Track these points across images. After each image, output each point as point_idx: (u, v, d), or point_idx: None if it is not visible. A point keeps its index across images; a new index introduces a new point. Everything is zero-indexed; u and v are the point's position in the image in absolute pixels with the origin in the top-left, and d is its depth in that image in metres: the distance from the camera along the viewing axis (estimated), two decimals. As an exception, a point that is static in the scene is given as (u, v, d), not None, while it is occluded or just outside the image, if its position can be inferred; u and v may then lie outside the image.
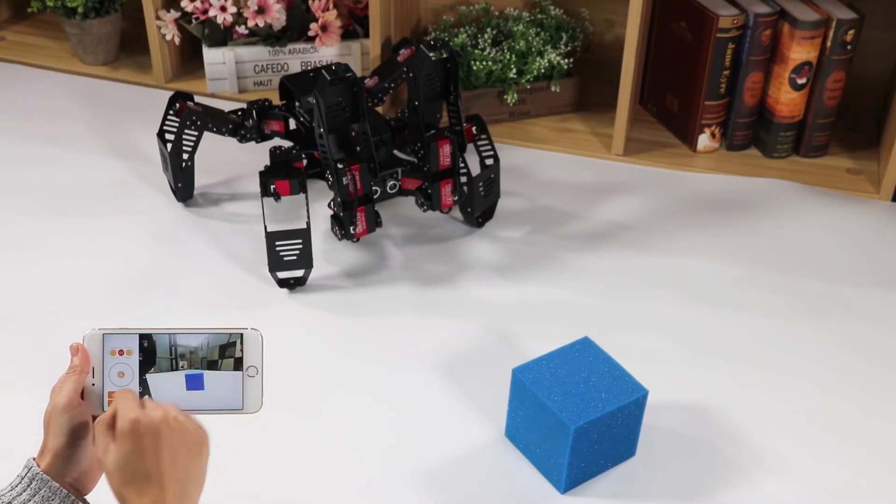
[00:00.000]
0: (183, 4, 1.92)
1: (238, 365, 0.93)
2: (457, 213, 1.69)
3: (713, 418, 1.32)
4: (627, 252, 1.63)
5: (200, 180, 1.73)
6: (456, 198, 1.58)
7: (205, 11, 1.92)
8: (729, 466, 1.25)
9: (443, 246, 1.63)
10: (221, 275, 1.55)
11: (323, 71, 1.45)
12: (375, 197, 1.54)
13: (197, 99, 1.85)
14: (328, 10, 1.93)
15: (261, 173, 1.50)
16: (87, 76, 2.08)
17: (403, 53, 1.70)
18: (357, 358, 1.41)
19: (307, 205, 1.49)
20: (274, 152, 1.60)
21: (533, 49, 1.90)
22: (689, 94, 1.86)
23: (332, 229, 1.56)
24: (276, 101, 1.76)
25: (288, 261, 1.49)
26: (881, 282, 1.57)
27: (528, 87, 1.93)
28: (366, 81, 1.67)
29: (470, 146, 1.66)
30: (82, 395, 0.91)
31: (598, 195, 1.76)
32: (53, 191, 1.73)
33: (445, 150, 1.54)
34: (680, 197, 1.77)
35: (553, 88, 1.93)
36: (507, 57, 1.90)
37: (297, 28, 1.98)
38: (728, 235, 1.67)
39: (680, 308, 1.51)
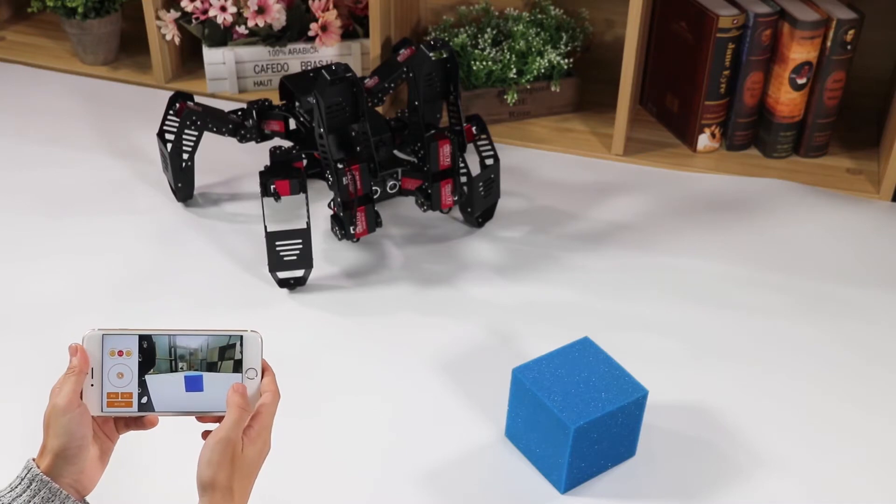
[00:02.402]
0: (183, 4, 1.92)
1: (237, 367, 0.93)
2: (457, 213, 1.69)
3: (713, 418, 1.32)
4: (627, 252, 1.63)
5: (200, 180, 1.73)
6: (456, 198, 1.58)
7: (205, 11, 1.92)
8: (729, 466, 1.25)
9: (443, 246, 1.63)
10: (221, 275, 1.55)
11: (323, 71, 1.45)
12: (375, 197, 1.54)
13: (197, 99, 1.85)
14: (328, 10, 1.93)
15: (261, 173, 1.50)
16: (87, 76, 2.08)
17: (403, 53, 1.70)
18: (357, 358, 1.41)
19: (307, 205, 1.49)
20: (274, 152, 1.60)
21: (533, 49, 1.90)
22: (689, 94, 1.86)
23: (332, 229, 1.56)
24: (276, 101, 1.76)
25: (288, 261, 1.49)
26: (881, 282, 1.57)
27: (528, 87, 1.93)
28: (366, 81, 1.67)
29: (470, 146, 1.66)
30: (81, 396, 0.91)
31: (598, 195, 1.76)
32: (53, 191, 1.73)
33: (445, 150, 1.54)
34: (680, 197, 1.77)
35: (553, 88, 1.93)
36: (507, 57, 1.90)
37: (297, 28, 1.98)
38: (728, 235, 1.67)
39: (680, 308, 1.51)
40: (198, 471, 0.89)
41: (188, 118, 1.61)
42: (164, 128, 1.64)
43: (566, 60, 1.92)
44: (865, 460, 1.27)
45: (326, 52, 1.99)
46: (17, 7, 2.25)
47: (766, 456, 1.27)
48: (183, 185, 1.67)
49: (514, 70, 1.89)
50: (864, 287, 1.56)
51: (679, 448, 1.28)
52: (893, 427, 1.32)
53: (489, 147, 1.61)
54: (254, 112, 1.65)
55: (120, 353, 0.92)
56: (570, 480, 1.21)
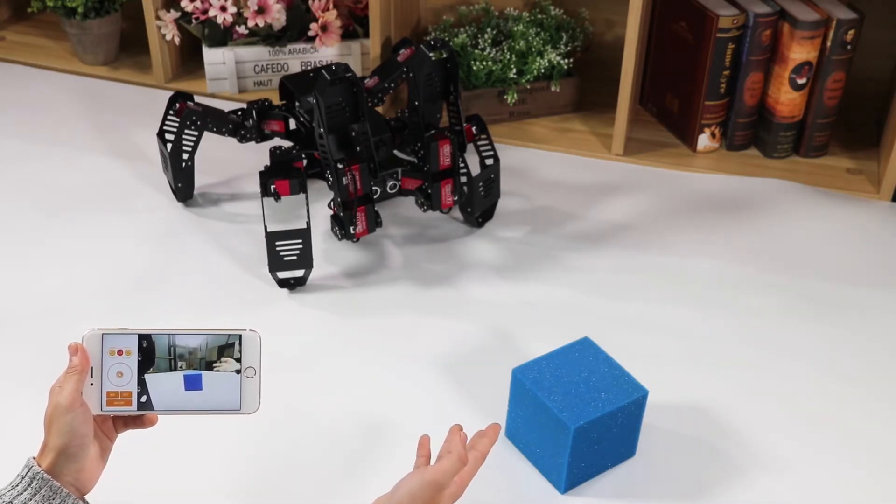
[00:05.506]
0: (183, 4, 1.92)
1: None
2: (457, 213, 1.69)
3: (713, 418, 1.32)
4: (627, 252, 1.63)
5: (200, 180, 1.73)
6: (456, 198, 1.58)
7: (205, 11, 1.92)
8: (729, 466, 1.25)
9: (443, 246, 1.63)
10: (221, 275, 1.55)
11: (323, 71, 1.45)
12: (375, 197, 1.54)
13: (197, 99, 1.85)
14: (328, 10, 1.93)
15: (261, 173, 1.50)
16: (87, 76, 2.08)
17: (403, 53, 1.70)
18: (357, 358, 1.41)
19: (307, 205, 1.49)
20: (274, 152, 1.60)
21: (533, 49, 1.90)
22: (689, 94, 1.86)
23: (332, 229, 1.56)
24: (276, 101, 1.76)
25: (288, 261, 1.49)
26: (881, 282, 1.57)
27: (528, 87, 1.93)
28: (366, 81, 1.67)
29: (470, 146, 1.66)
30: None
31: (598, 195, 1.76)
32: (53, 191, 1.73)
33: (445, 150, 1.54)
34: (680, 197, 1.77)
35: (553, 88, 1.93)
36: (507, 57, 1.90)
37: (297, 28, 1.98)
38: (728, 235, 1.67)
39: (680, 308, 1.51)
40: (395, 492, 0.95)
41: (188, 118, 1.61)
42: (164, 128, 1.64)
43: (566, 60, 1.92)
44: (865, 461, 1.27)
45: (326, 52, 1.99)
46: (17, 7, 2.25)
47: (767, 456, 1.27)
48: (183, 185, 1.67)
49: (514, 70, 1.89)
50: (864, 287, 1.56)
51: (679, 448, 1.28)
52: (893, 427, 1.32)
53: (489, 147, 1.61)
54: (254, 112, 1.65)
55: (119, 353, 0.92)
56: (570, 480, 1.21)
